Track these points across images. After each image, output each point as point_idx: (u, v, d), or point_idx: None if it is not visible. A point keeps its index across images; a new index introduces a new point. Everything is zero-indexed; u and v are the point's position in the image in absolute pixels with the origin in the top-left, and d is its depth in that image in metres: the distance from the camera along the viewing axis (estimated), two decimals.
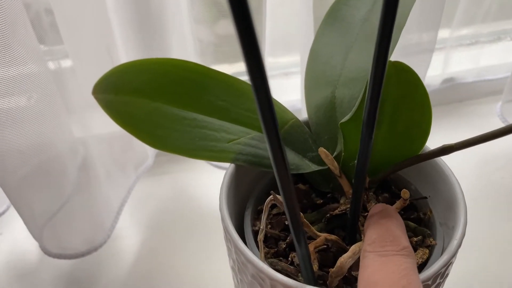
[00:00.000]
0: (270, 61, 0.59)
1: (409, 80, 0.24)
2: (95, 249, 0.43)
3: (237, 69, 0.61)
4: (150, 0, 0.41)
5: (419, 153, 0.28)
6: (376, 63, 0.20)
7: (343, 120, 0.27)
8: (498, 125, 0.59)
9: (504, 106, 0.55)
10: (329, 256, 0.29)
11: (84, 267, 0.45)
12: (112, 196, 0.46)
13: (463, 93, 0.63)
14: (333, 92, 0.34)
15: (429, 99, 0.25)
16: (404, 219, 0.32)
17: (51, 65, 0.48)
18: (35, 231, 0.41)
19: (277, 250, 0.30)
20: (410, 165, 0.28)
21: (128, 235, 0.48)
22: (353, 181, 0.26)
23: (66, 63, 0.48)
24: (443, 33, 0.60)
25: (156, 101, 0.33)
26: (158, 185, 0.53)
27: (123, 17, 0.42)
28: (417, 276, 0.22)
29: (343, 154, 0.30)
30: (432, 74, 0.60)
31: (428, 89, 0.60)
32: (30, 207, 0.40)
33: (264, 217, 0.27)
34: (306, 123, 0.35)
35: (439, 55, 0.60)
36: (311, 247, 0.28)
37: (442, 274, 0.25)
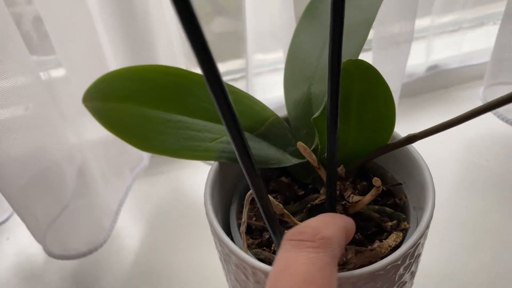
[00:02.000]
0: (260, 58, 0.61)
1: (369, 76, 0.26)
2: (96, 248, 0.45)
3: (227, 67, 0.63)
4: (135, 4, 0.43)
5: (388, 143, 0.29)
6: (331, 64, 0.22)
7: (315, 116, 0.29)
8: None
9: (486, 90, 0.56)
10: None
11: (87, 266, 0.48)
12: (110, 197, 0.48)
13: (448, 79, 0.64)
14: (309, 88, 0.35)
15: (391, 93, 0.26)
16: (381, 205, 0.33)
17: (45, 75, 0.50)
18: (39, 235, 0.43)
19: (261, 241, 0.32)
20: (380, 154, 0.30)
21: (127, 234, 0.50)
22: (319, 171, 0.28)
23: (60, 72, 0.50)
24: (424, 21, 0.61)
25: (142, 106, 0.34)
26: (155, 184, 0.55)
27: (109, 23, 0.44)
28: (327, 272, 0.20)
29: (319, 147, 0.32)
30: (416, 63, 0.62)
31: (412, 78, 0.62)
32: (33, 213, 0.42)
33: (245, 210, 0.29)
34: (286, 119, 0.36)
35: (421, 43, 0.61)
36: None
37: (411, 255, 0.27)
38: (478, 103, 0.61)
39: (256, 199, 0.23)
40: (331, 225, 0.23)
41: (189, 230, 0.50)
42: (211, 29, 0.59)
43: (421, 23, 0.62)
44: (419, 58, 0.62)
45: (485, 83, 0.56)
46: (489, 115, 0.58)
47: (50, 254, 0.44)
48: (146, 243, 0.50)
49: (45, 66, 0.48)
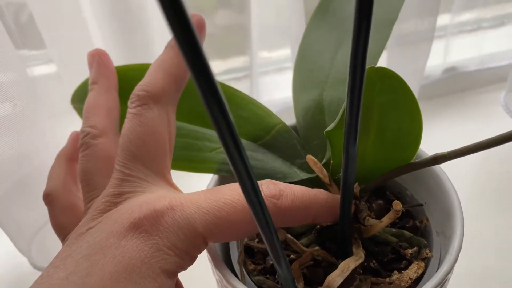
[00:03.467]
0: (265, 56, 0.57)
1: (394, 86, 0.22)
2: None
3: (230, 65, 0.59)
4: (130, 2, 0.39)
5: (411, 161, 0.26)
6: (353, 72, 0.18)
7: (328, 128, 0.25)
8: (502, 115, 0.57)
9: (508, 95, 0.53)
10: (319, 271, 0.27)
11: None
12: None
13: (466, 82, 0.61)
14: (321, 94, 0.32)
15: (418, 106, 0.23)
16: (399, 227, 0.30)
17: (35, 71, 0.47)
18: (23, 246, 0.40)
19: (264, 267, 0.28)
20: (402, 174, 0.26)
21: None
22: (340, 191, 0.24)
23: (50, 68, 0.47)
24: (443, 20, 0.57)
25: None
26: None
27: (102, 19, 0.41)
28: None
29: (331, 162, 0.28)
30: (432, 64, 0.58)
31: (429, 80, 0.59)
32: (16, 222, 0.39)
33: (241, 240, 0.26)
34: (294, 127, 0.33)
35: (439, 43, 0.58)
36: (296, 265, 0.26)
37: None
38: (498, 108, 0.58)
39: (257, 226, 0.20)
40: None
41: None
42: (213, 22, 0.55)
43: (439, 21, 0.58)
44: (436, 59, 0.58)
45: (508, 88, 0.53)
46: (509, 122, 0.54)
47: (35, 266, 0.41)
48: None
49: (33, 62, 0.45)
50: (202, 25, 0.25)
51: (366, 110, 0.24)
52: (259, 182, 0.22)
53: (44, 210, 0.42)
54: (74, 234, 0.21)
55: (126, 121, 0.23)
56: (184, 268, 0.20)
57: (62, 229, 0.28)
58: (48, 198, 0.29)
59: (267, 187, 0.22)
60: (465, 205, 0.48)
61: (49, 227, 0.42)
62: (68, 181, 0.29)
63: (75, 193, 0.29)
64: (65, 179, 0.29)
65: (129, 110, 0.24)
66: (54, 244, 0.42)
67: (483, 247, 0.46)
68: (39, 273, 0.43)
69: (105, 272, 0.18)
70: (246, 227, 0.21)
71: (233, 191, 0.21)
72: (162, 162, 0.23)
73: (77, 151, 0.30)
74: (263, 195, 0.21)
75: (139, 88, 0.24)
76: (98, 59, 0.28)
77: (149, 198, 0.21)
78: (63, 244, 0.25)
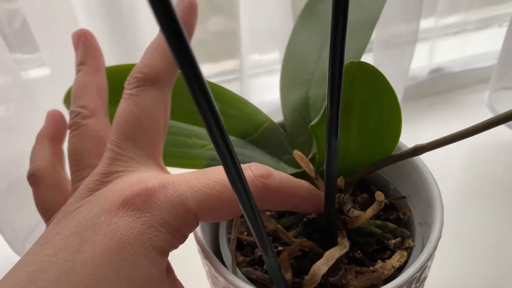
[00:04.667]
0: (255, 59, 0.58)
1: (374, 80, 0.23)
2: None
3: (221, 67, 0.60)
4: (121, 5, 0.40)
5: (392, 153, 0.27)
6: (332, 66, 0.19)
7: (312, 123, 0.26)
8: (487, 115, 0.58)
9: (491, 95, 0.54)
10: (306, 262, 0.28)
11: None
12: None
13: (451, 83, 0.62)
14: (307, 92, 0.33)
15: (397, 99, 0.24)
16: (383, 219, 0.31)
17: (28, 74, 0.48)
18: (17, 246, 0.40)
19: (253, 258, 0.29)
20: (383, 166, 0.27)
21: None
22: (323, 183, 0.25)
23: (43, 71, 0.48)
24: (428, 22, 0.59)
25: None
26: None
27: (95, 22, 0.42)
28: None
29: (317, 156, 0.29)
30: (418, 65, 0.59)
31: (415, 81, 0.60)
32: (10, 221, 0.40)
33: (234, 227, 0.27)
34: (282, 124, 0.34)
35: (425, 45, 0.59)
36: (285, 254, 0.27)
37: (417, 279, 0.25)
38: (483, 108, 0.59)
39: (245, 216, 0.21)
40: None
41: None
42: (204, 27, 0.56)
43: (424, 24, 0.59)
44: (422, 60, 0.59)
45: (491, 88, 0.54)
46: None
47: None
48: None
49: (27, 65, 0.46)
50: (194, 7, 0.25)
51: (348, 104, 0.25)
52: (247, 164, 0.23)
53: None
54: (62, 213, 0.20)
55: (122, 101, 0.23)
56: (175, 246, 0.21)
57: (48, 209, 0.27)
58: (33, 177, 0.27)
59: (256, 167, 0.22)
60: (451, 203, 0.49)
61: (43, 227, 0.43)
62: (53, 160, 0.28)
63: (61, 172, 0.28)
64: (50, 158, 0.28)
65: (125, 91, 0.23)
66: None
67: (468, 244, 0.47)
68: None
69: (96, 249, 0.18)
70: (237, 206, 0.21)
71: (224, 171, 0.22)
72: (155, 144, 0.23)
73: (59, 130, 0.29)
74: (252, 175, 0.21)
75: (137, 70, 0.23)
76: (84, 39, 0.27)
77: (140, 177, 0.21)
78: (47, 225, 0.24)
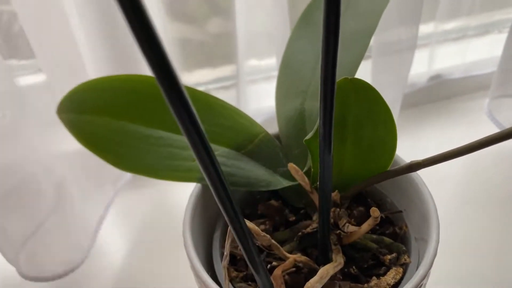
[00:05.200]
0: (253, 64, 0.58)
1: (368, 97, 0.23)
2: (73, 270, 0.42)
3: (220, 73, 0.59)
4: (116, 12, 0.40)
5: (388, 168, 0.26)
6: (324, 85, 0.19)
7: (307, 137, 0.26)
8: (487, 122, 0.57)
9: (491, 102, 0.54)
10: (300, 278, 0.28)
11: (65, 286, 0.44)
12: (89, 214, 0.45)
13: (451, 89, 0.61)
14: (303, 104, 0.32)
15: (392, 116, 0.23)
16: (379, 234, 0.31)
17: (23, 80, 0.47)
18: (11, 255, 0.40)
19: (246, 274, 0.29)
20: (378, 181, 0.27)
21: (107, 252, 0.47)
22: (312, 195, 0.25)
23: (38, 78, 0.47)
24: (427, 28, 0.58)
25: (120, 119, 0.32)
26: (138, 199, 0.52)
27: (90, 30, 0.41)
28: None
29: (312, 170, 0.29)
30: (418, 72, 0.59)
31: (414, 88, 0.59)
32: (4, 231, 0.39)
33: (228, 242, 0.26)
34: (277, 136, 0.33)
35: (424, 52, 0.58)
36: (279, 271, 0.27)
37: None
38: (482, 115, 0.59)
39: (235, 237, 0.20)
40: None
41: (174, 248, 0.47)
42: (202, 30, 0.56)
43: (423, 29, 0.59)
44: (421, 67, 0.59)
45: (491, 95, 0.54)
46: (494, 130, 0.55)
47: (23, 275, 0.41)
48: (127, 261, 0.47)
49: (22, 72, 0.45)
50: None
51: (342, 120, 0.25)
52: None
53: (32, 219, 0.42)
54: None
55: None
56: None
57: None
58: None
59: None
60: (449, 211, 0.49)
61: (37, 236, 0.42)
62: None
63: None
64: None
65: None
66: (43, 253, 0.42)
67: (467, 252, 0.46)
68: (28, 283, 0.43)
69: None
70: None
71: None
72: None
73: None
74: None
75: None
76: None
77: None
78: None
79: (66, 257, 0.42)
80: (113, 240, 0.48)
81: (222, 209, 0.19)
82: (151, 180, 0.53)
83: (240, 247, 0.21)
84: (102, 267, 0.45)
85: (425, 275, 0.24)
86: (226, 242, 0.27)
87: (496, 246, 0.46)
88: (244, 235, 0.20)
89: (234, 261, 0.30)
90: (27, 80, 0.48)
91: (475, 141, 0.22)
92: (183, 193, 0.52)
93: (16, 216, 0.40)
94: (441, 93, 0.61)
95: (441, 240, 0.26)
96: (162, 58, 0.15)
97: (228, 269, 0.27)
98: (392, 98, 0.50)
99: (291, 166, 0.29)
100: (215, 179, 0.18)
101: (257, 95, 0.56)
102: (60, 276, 0.41)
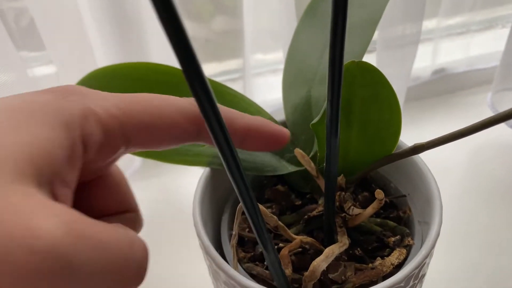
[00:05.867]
0: (259, 58, 0.59)
1: (374, 80, 0.23)
2: None
3: (225, 67, 0.60)
4: (126, 2, 0.41)
5: (392, 152, 0.27)
6: (332, 66, 0.20)
7: (314, 121, 0.27)
8: (490, 115, 0.58)
9: (494, 96, 0.54)
10: (306, 258, 0.29)
11: None
12: None
13: (454, 83, 0.62)
14: (309, 91, 0.33)
15: (397, 98, 0.24)
16: (383, 218, 0.31)
17: (34, 71, 0.48)
18: None
19: (254, 254, 0.30)
20: (383, 165, 0.27)
21: None
22: (318, 180, 0.25)
23: (48, 69, 0.48)
24: (431, 23, 0.59)
25: None
26: (147, 188, 0.53)
27: (99, 18, 0.42)
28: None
29: (318, 154, 0.29)
30: (422, 66, 0.59)
31: (418, 81, 0.60)
32: None
33: (236, 222, 0.27)
34: (284, 123, 0.34)
35: (428, 46, 0.59)
36: (286, 250, 0.27)
37: (416, 276, 0.25)
38: (485, 109, 0.60)
39: (245, 212, 0.21)
40: None
41: (182, 236, 0.48)
42: (209, 27, 0.57)
43: (427, 24, 0.59)
44: (425, 61, 0.59)
45: (493, 89, 0.54)
46: None
47: None
48: None
49: (33, 63, 0.46)
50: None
51: (348, 104, 0.26)
52: None
53: None
54: None
55: None
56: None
57: None
58: None
59: None
60: (452, 202, 0.50)
61: None
62: None
63: None
64: None
65: None
66: None
67: (468, 243, 0.47)
68: None
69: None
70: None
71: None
72: None
73: None
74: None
75: None
76: None
77: None
78: None
79: None
80: None
81: (234, 185, 0.20)
82: (158, 170, 0.55)
83: (249, 220, 0.22)
84: None
85: (428, 255, 0.25)
86: (234, 223, 0.28)
87: (497, 237, 0.47)
88: (254, 209, 0.21)
89: (242, 242, 0.31)
90: (37, 71, 0.49)
91: (477, 122, 0.23)
92: (189, 184, 0.53)
93: None
94: (444, 86, 0.62)
95: (443, 230, 0.27)
96: (189, 51, 0.16)
97: (236, 249, 0.28)
98: (396, 90, 0.51)
99: (297, 151, 0.30)
100: (227, 153, 0.19)
101: (263, 88, 0.57)
102: None
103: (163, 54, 0.45)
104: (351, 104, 0.25)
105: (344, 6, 0.18)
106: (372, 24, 0.31)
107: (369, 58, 0.50)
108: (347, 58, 0.25)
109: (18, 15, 0.44)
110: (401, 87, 0.52)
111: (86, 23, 0.43)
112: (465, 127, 0.23)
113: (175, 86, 0.32)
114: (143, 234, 0.51)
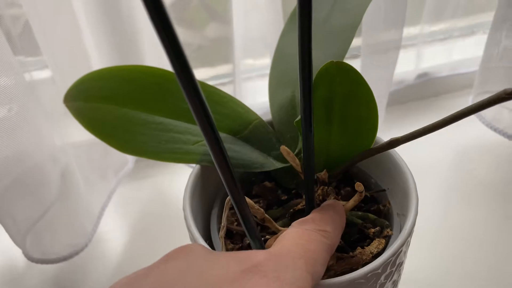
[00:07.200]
0: (249, 63, 0.61)
1: (352, 78, 0.25)
2: (77, 252, 0.44)
3: (217, 71, 0.62)
4: (120, 3, 0.42)
5: (371, 147, 0.29)
6: (302, 62, 0.21)
7: (297, 119, 0.28)
8: (471, 118, 0.60)
9: (475, 99, 0.56)
10: None
11: (68, 271, 0.47)
12: (93, 201, 0.48)
13: (437, 87, 0.64)
14: (294, 92, 0.35)
15: (373, 95, 0.26)
16: (364, 211, 0.33)
17: (31, 75, 0.50)
18: (18, 238, 0.42)
19: (241, 246, 0.31)
20: (363, 159, 0.29)
21: (110, 238, 0.49)
22: (303, 176, 0.27)
23: (44, 73, 0.50)
24: (414, 30, 0.61)
25: (124, 107, 0.34)
26: (139, 188, 0.54)
27: (94, 23, 0.44)
28: (324, 252, 0.23)
29: (302, 151, 0.31)
30: (406, 70, 0.61)
31: (402, 85, 0.62)
32: (12, 215, 0.41)
33: (224, 215, 0.29)
34: (270, 122, 0.36)
35: (412, 51, 0.61)
36: (272, 240, 0.29)
37: (393, 263, 0.27)
38: None
39: (233, 204, 0.23)
40: (337, 225, 0.26)
41: (173, 235, 0.49)
42: (202, 34, 0.59)
43: (411, 31, 0.62)
44: (408, 65, 0.62)
45: (474, 92, 0.56)
46: (478, 124, 0.58)
47: (29, 258, 0.43)
48: (129, 247, 0.49)
49: (30, 68, 0.48)
50: None
51: (329, 102, 0.27)
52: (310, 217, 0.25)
53: (39, 205, 0.44)
54: None
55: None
56: None
57: None
58: None
59: (319, 223, 0.25)
60: (435, 201, 0.51)
61: (43, 222, 0.44)
62: None
63: None
64: None
65: None
66: (49, 236, 0.45)
67: (449, 240, 0.49)
68: (33, 265, 0.45)
69: None
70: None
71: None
72: None
73: None
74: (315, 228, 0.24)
75: None
76: None
77: None
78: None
79: (70, 241, 0.44)
80: (115, 226, 0.50)
81: (223, 179, 0.21)
82: (151, 171, 0.56)
83: (238, 215, 0.23)
84: (105, 251, 0.48)
85: (404, 243, 0.27)
86: (223, 216, 0.30)
87: (476, 234, 0.49)
88: (240, 200, 0.23)
89: (230, 235, 0.32)
90: (34, 75, 0.50)
91: (449, 115, 0.24)
92: (182, 184, 0.55)
93: (23, 203, 0.42)
94: (428, 90, 0.64)
95: (425, 227, 0.28)
96: (180, 54, 0.18)
97: (224, 240, 0.30)
98: (379, 94, 0.53)
99: (283, 148, 0.32)
100: (216, 147, 0.20)
101: (252, 91, 0.59)
102: (64, 259, 0.44)
103: (156, 58, 0.47)
104: (331, 101, 0.27)
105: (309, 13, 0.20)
106: (352, 27, 0.33)
107: (354, 63, 0.52)
108: (329, 58, 0.27)
109: (14, 20, 0.45)
110: (384, 91, 0.54)
111: (81, 27, 0.44)
112: (437, 121, 0.25)
113: (167, 88, 0.34)
114: (137, 233, 0.53)
